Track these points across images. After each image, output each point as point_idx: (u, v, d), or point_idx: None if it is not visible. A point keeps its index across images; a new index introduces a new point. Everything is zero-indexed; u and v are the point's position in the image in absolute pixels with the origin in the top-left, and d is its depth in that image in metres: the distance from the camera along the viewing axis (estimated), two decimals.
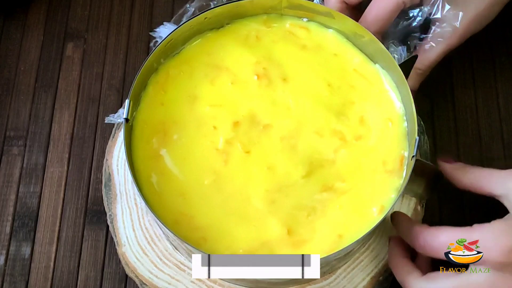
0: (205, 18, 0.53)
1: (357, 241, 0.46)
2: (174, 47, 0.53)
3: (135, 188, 0.47)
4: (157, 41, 0.57)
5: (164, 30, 0.58)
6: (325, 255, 0.45)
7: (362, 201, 0.49)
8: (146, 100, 0.52)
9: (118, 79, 0.63)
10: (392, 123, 0.52)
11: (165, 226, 0.46)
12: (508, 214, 0.48)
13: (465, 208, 0.58)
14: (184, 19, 0.57)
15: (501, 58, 0.63)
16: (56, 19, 0.66)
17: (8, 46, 0.65)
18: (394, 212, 0.52)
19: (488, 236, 0.46)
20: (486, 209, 0.50)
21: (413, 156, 0.47)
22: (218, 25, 0.55)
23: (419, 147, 0.52)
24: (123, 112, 0.49)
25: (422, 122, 0.58)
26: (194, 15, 0.52)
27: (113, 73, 0.64)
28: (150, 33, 0.60)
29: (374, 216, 0.48)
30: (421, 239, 0.48)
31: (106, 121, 0.55)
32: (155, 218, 0.47)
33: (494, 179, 0.50)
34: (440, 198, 0.58)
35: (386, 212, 0.47)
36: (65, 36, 0.65)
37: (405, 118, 0.52)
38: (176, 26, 0.52)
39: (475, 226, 0.47)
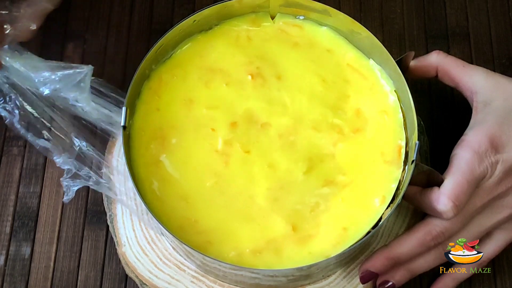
0: (194, 21, 0.53)
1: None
2: (164, 52, 0.54)
3: (139, 198, 0.47)
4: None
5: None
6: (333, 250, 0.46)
7: (364, 193, 0.50)
8: (141, 107, 0.52)
9: (118, 79, 0.63)
10: (387, 115, 0.52)
11: (171, 233, 0.46)
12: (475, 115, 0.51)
13: None
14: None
15: (502, 59, 0.63)
16: (56, 19, 0.66)
17: None
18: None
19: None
20: None
21: (413, 161, 0.47)
22: (206, 27, 0.55)
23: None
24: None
25: (422, 122, 0.58)
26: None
27: (113, 73, 0.63)
28: None
29: (376, 207, 0.49)
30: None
31: None
32: (160, 226, 0.46)
33: (473, 72, 0.52)
34: None
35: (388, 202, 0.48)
36: (65, 36, 0.65)
37: (399, 109, 0.52)
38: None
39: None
